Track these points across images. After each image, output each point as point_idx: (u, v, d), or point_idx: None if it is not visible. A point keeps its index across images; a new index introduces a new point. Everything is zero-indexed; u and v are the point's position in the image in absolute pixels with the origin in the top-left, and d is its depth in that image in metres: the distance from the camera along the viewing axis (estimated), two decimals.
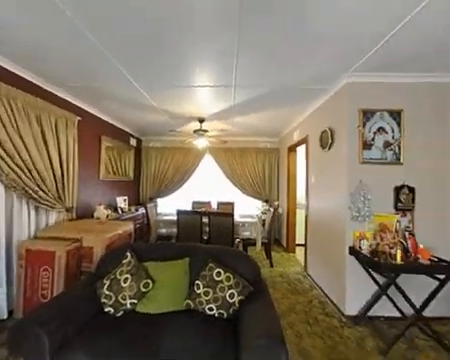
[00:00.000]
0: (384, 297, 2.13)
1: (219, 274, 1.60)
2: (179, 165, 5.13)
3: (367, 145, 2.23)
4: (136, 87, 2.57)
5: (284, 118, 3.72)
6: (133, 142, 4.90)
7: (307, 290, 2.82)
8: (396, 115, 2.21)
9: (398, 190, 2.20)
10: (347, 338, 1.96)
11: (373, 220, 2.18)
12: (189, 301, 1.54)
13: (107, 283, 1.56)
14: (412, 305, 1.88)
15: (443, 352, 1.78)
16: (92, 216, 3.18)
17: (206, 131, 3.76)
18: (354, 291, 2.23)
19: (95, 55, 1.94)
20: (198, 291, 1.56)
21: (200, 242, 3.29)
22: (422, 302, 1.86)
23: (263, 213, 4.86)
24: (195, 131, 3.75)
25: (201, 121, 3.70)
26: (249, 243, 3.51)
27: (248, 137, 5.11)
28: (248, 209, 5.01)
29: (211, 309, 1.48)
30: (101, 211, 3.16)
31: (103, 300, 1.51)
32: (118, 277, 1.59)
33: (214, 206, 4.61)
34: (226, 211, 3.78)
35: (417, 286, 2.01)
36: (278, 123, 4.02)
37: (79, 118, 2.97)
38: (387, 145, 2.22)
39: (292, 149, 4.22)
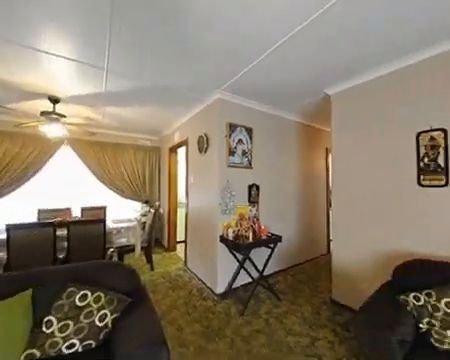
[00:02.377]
0: (242, 270, 2.78)
1: (84, 297, 1.30)
2: (12, 159, 3.51)
3: (232, 152, 2.78)
4: None
5: (166, 118, 3.72)
6: None
7: (187, 283, 3.02)
8: (249, 131, 2.96)
9: (250, 188, 2.95)
10: (218, 312, 2.33)
11: (236, 212, 2.77)
12: (32, 350, 1.11)
13: None
14: (258, 270, 2.61)
15: (273, 297, 2.63)
16: None
17: (63, 116, 2.87)
18: (223, 272, 2.70)
19: None
20: (49, 330, 1.16)
21: (53, 263, 2.47)
22: (262, 266, 2.63)
23: (143, 215, 4.56)
24: (44, 113, 2.74)
25: (55, 101, 2.77)
26: (127, 250, 3.15)
27: (125, 132, 4.56)
28: (125, 213, 4.48)
29: (72, 346, 1.16)
30: None
31: None
32: None
33: (76, 214, 3.65)
34: (94, 218, 3.13)
35: (260, 256, 2.82)
36: (160, 122, 3.95)
37: None
38: (244, 153, 2.91)
39: (173, 150, 4.32)
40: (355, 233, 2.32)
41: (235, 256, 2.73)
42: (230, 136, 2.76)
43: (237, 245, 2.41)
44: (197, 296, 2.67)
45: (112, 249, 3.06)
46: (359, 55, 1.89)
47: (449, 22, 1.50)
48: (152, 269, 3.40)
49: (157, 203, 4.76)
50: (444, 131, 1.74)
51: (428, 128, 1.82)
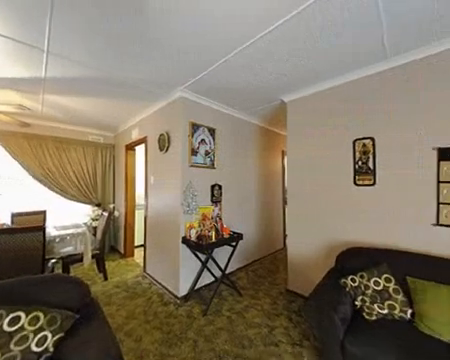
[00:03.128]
0: (205, 270, 2.78)
1: (16, 321, 1.09)
2: None
3: (194, 152, 2.75)
4: None
5: (122, 113, 3.43)
6: None
7: (146, 289, 2.84)
8: (212, 132, 2.98)
9: (213, 187, 2.98)
10: (180, 315, 2.27)
11: (198, 212, 2.75)
12: None
13: None
14: (220, 268, 2.65)
15: (236, 294, 2.71)
16: None
17: None
18: (185, 274, 2.65)
19: None
20: None
21: None
22: (225, 264, 2.69)
23: (94, 220, 4.10)
24: None
25: None
26: (74, 260, 2.77)
27: (73, 126, 4.02)
28: (74, 217, 3.94)
29: None
30: None
31: None
32: None
33: (4, 221, 3.04)
34: (30, 225, 2.65)
35: (223, 254, 2.87)
36: (115, 117, 3.61)
37: None
38: (207, 153, 2.92)
39: (130, 147, 4.02)
40: (307, 227, 2.58)
41: (198, 257, 2.71)
42: (193, 136, 2.73)
43: (200, 245, 2.40)
44: (158, 302, 2.54)
45: (54, 260, 2.65)
46: (309, 69, 2.12)
47: (375, 49, 1.82)
48: (105, 278, 3.09)
49: (111, 205, 4.34)
50: (372, 139, 2.10)
51: (361, 136, 2.17)
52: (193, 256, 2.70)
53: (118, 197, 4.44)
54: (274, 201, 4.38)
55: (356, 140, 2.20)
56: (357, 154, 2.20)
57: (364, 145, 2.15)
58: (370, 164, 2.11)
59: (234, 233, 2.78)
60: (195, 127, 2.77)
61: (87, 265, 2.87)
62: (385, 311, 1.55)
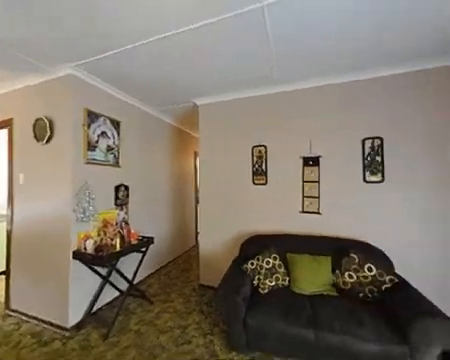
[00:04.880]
0: (108, 285, 2.37)
1: None
2: None
3: (92, 146, 2.28)
4: None
5: None
6: None
7: (11, 332, 2.04)
8: (116, 124, 2.59)
9: (117, 188, 2.60)
10: (71, 350, 1.81)
11: (97, 218, 2.30)
12: None
13: None
14: (127, 280, 2.36)
15: (146, 303, 2.50)
16: None
17: None
18: (78, 297, 2.14)
19: None
20: None
21: None
22: (133, 273, 2.42)
23: None
24: None
25: None
26: None
27: None
28: None
29: None
30: None
31: None
32: None
33: None
34: None
35: (131, 263, 2.57)
36: None
37: None
38: (110, 149, 2.50)
39: None
40: (216, 223, 2.81)
41: (97, 272, 2.27)
42: (89, 126, 2.25)
43: (100, 258, 2.01)
44: (32, 345, 1.89)
45: None
46: (217, 80, 2.32)
47: (261, 74, 2.28)
48: None
49: None
50: (265, 147, 2.60)
51: (257, 144, 2.63)
52: (91, 272, 2.22)
53: None
54: (187, 200, 4.43)
55: (254, 146, 2.65)
56: (255, 158, 2.65)
57: (259, 151, 2.63)
58: (263, 167, 2.61)
59: (144, 238, 2.56)
60: (93, 116, 2.30)
61: None
62: (273, 283, 1.97)
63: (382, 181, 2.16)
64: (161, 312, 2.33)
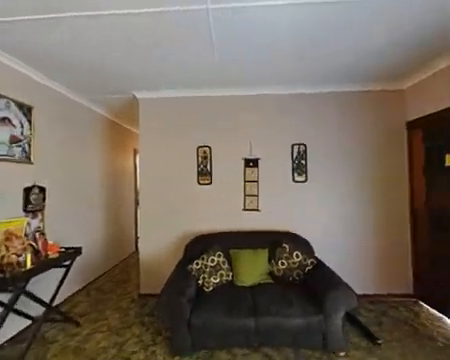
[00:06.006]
0: (12, 314, 1.85)
1: None
2: None
3: None
4: None
5: None
6: None
7: None
8: (26, 110, 2.06)
9: (28, 191, 2.07)
10: None
11: None
12: None
13: None
14: (43, 303, 1.91)
15: (70, 326, 2.09)
16: None
17: None
18: None
19: None
20: None
21: None
22: (53, 293, 1.98)
23: None
24: None
25: None
26: None
27: None
28: None
29: None
30: None
31: None
32: None
33: None
34: None
35: (49, 282, 2.09)
36: None
37: None
38: (15, 141, 1.96)
39: None
40: (159, 226, 2.65)
41: None
42: None
43: (1, 281, 1.55)
44: None
45: None
46: (158, 74, 2.19)
47: (202, 78, 2.32)
48: None
49: None
50: (210, 147, 2.64)
51: (202, 144, 2.64)
52: None
53: None
54: (125, 202, 4.00)
55: (199, 147, 2.65)
56: (200, 158, 2.65)
57: (204, 151, 2.65)
58: (208, 167, 2.65)
59: (68, 249, 2.15)
60: None
61: None
62: (218, 280, 2.03)
63: (306, 181, 2.57)
64: (92, 333, 2.01)
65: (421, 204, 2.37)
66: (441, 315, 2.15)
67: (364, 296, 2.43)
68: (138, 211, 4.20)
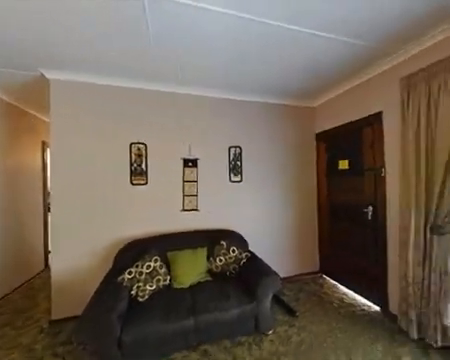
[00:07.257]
0: None
1: None
2: None
3: None
4: None
5: None
6: None
7: None
8: None
9: None
10: None
11: None
12: None
13: None
14: None
15: None
16: None
17: None
18: None
19: None
20: None
21: None
22: None
23: None
24: None
25: None
26: None
27: None
28: None
29: None
30: None
31: None
32: None
33: None
34: None
35: None
36: None
37: None
38: None
39: None
40: (78, 235, 2.22)
41: None
42: None
43: None
44: None
45: None
46: (79, 49, 1.85)
47: (163, 70, 2.16)
48: None
49: None
50: (145, 145, 2.45)
51: (136, 141, 2.42)
52: None
53: None
54: (29, 209, 3.14)
55: (132, 143, 2.40)
56: (133, 156, 2.41)
57: (139, 149, 2.43)
58: (144, 166, 2.44)
59: None
60: None
61: None
62: (154, 287, 1.91)
63: (241, 181, 2.79)
64: None
65: (324, 200, 3.03)
66: (336, 283, 2.81)
67: (286, 278, 2.87)
68: (48, 219, 3.40)
